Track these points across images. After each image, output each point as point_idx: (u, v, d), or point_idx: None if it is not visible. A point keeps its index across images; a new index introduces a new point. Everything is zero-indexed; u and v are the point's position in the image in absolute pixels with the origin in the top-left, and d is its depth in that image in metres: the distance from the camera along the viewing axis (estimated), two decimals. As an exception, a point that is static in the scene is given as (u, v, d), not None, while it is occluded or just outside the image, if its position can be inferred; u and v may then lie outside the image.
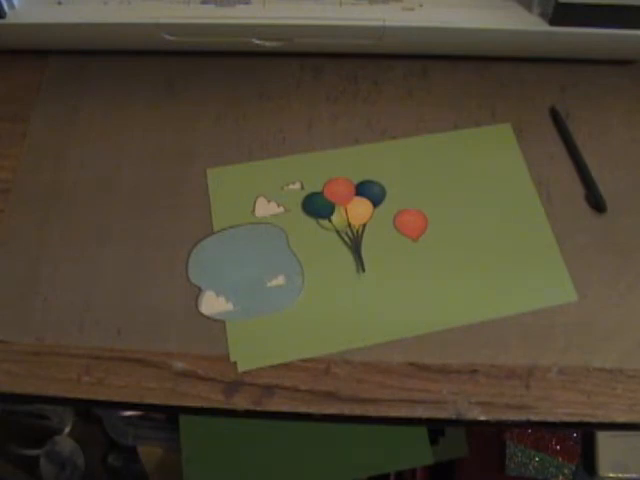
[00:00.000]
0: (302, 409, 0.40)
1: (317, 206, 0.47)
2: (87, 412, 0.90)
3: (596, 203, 0.47)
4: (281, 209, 0.47)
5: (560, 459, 0.77)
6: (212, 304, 0.43)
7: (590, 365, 0.41)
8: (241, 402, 0.41)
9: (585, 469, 0.76)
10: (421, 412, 0.40)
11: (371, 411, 0.40)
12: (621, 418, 0.40)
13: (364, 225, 0.46)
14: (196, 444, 0.75)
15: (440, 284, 0.44)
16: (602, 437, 0.74)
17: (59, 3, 0.49)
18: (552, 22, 0.47)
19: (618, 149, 0.49)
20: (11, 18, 0.48)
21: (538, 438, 0.78)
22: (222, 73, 0.53)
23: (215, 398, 0.41)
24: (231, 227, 0.46)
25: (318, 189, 0.48)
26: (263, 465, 0.74)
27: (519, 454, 0.78)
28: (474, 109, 0.51)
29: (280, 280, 0.44)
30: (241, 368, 0.41)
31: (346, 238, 0.46)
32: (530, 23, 0.47)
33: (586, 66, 0.52)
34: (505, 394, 0.41)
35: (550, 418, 0.40)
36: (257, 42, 0.49)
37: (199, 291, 0.44)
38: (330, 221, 0.46)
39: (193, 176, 0.48)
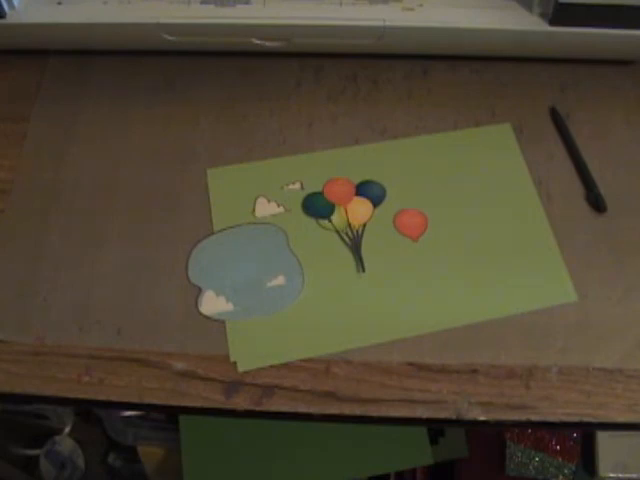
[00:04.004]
0: (302, 409, 0.40)
1: (317, 206, 0.47)
2: (87, 412, 0.90)
3: (596, 203, 0.47)
4: (281, 209, 0.47)
5: (560, 459, 0.77)
6: (212, 304, 0.43)
7: (590, 365, 0.41)
8: (241, 402, 0.41)
9: (585, 469, 0.76)
10: (421, 412, 0.40)
11: (371, 411, 0.40)
12: (621, 418, 0.40)
13: (364, 225, 0.46)
14: (196, 444, 0.75)
15: (440, 284, 0.44)
16: (602, 437, 0.74)
17: (59, 3, 0.49)
18: (552, 22, 0.47)
19: (618, 149, 0.49)
20: (11, 18, 0.48)
21: (538, 438, 0.78)
22: (222, 73, 0.53)
23: (215, 398, 0.41)
24: (231, 227, 0.46)
25: (318, 189, 0.48)
26: (263, 465, 0.74)
27: (519, 454, 0.78)
28: (474, 109, 0.51)
29: (280, 280, 0.44)
30: (241, 368, 0.41)
31: (346, 238, 0.46)
32: (530, 23, 0.47)
33: (586, 66, 0.52)
34: (505, 394, 0.41)
35: (550, 418, 0.40)
36: (257, 42, 0.49)
37: (199, 291, 0.44)
38: (330, 221, 0.46)
39: (193, 176, 0.48)
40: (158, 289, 0.44)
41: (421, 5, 0.48)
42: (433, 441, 0.77)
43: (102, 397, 0.41)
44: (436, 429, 0.79)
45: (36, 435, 0.88)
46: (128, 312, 0.43)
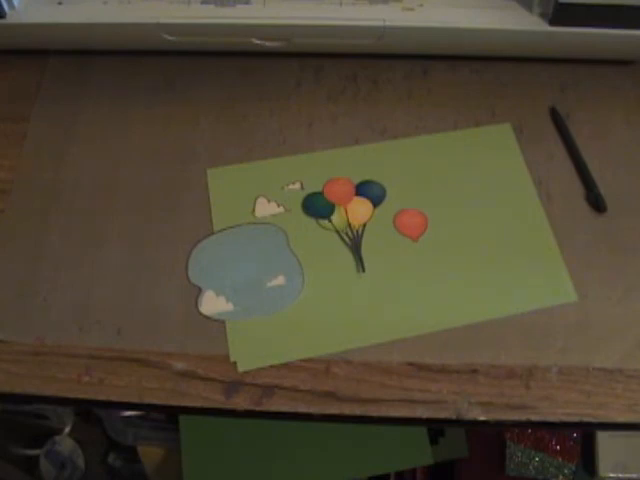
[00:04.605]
0: (302, 409, 0.40)
1: (317, 206, 0.47)
2: (87, 412, 0.90)
3: (596, 203, 0.47)
4: (281, 209, 0.47)
5: (560, 459, 0.77)
6: (212, 304, 0.43)
7: (590, 365, 0.41)
8: (241, 402, 0.41)
9: (585, 469, 0.76)
10: (421, 412, 0.40)
11: (371, 411, 0.40)
12: (621, 418, 0.40)
13: (364, 225, 0.46)
14: (196, 444, 0.75)
15: (440, 284, 0.44)
16: (602, 437, 0.74)
17: (59, 3, 0.49)
18: (552, 22, 0.47)
19: (618, 149, 0.49)
20: (11, 18, 0.48)
21: (538, 438, 0.78)
22: (222, 73, 0.53)
23: (215, 398, 0.41)
24: (231, 227, 0.46)
25: (318, 189, 0.48)
26: (263, 465, 0.74)
27: (519, 454, 0.78)
28: (474, 109, 0.51)
29: (280, 280, 0.44)
30: (241, 368, 0.41)
31: (346, 238, 0.46)
32: (530, 23, 0.47)
33: (586, 66, 0.52)
34: (505, 394, 0.41)
35: (550, 418, 0.40)
36: (257, 42, 0.49)
37: (199, 291, 0.44)
38: (330, 221, 0.46)
39: (193, 176, 0.48)
40: (158, 289, 0.44)
41: (421, 5, 0.48)
42: (433, 441, 0.77)
43: (102, 397, 0.41)
44: (436, 429, 0.79)
45: (36, 435, 0.88)
46: (128, 312, 0.43)
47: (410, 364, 0.42)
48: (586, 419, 0.40)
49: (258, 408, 0.40)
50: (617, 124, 0.50)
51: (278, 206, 0.47)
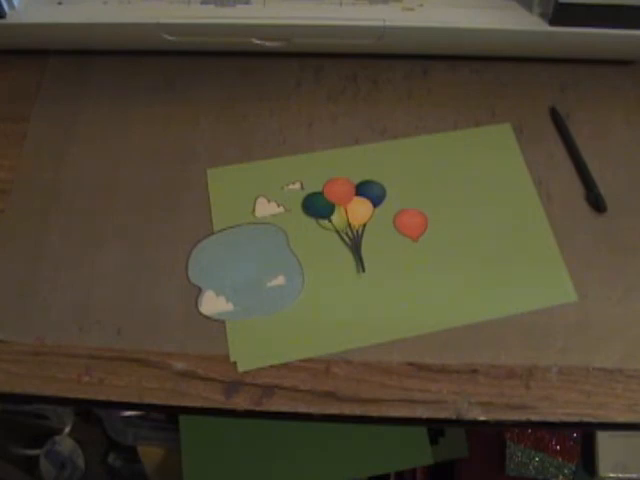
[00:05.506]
0: (302, 409, 0.40)
1: (317, 206, 0.47)
2: (87, 412, 0.90)
3: (596, 203, 0.47)
4: (281, 209, 0.47)
5: (560, 459, 0.77)
6: (212, 304, 0.43)
7: (590, 365, 0.41)
8: (241, 402, 0.41)
9: (585, 469, 0.76)
10: (421, 412, 0.40)
11: (371, 411, 0.40)
12: (621, 418, 0.40)
13: (364, 225, 0.46)
14: (196, 444, 0.75)
15: (440, 284, 0.44)
16: (602, 437, 0.74)
17: (59, 3, 0.49)
18: (552, 22, 0.47)
19: (618, 149, 0.49)
20: (11, 18, 0.48)
21: (538, 438, 0.78)
22: (222, 73, 0.53)
23: (215, 398, 0.41)
24: (231, 227, 0.46)
25: (318, 189, 0.48)
26: (263, 465, 0.74)
27: (519, 454, 0.78)
28: (474, 109, 0.51)
29: (280, 280, 0.44)
30: (241, 368, 0.41)
31: (346, 238, 0.46)
32: (530, 23, 0.47)
33: (586, 66, 0.52)
34: (505, 394, 0.41)
35: (550, 418, 0.40)
36: (257, 42, 0.49)
37: (199, 291, 0.44)
38: (330, 221, 0.46)
39: (193, 176, 0.48)
40: (158, 289, 0.44)
41: (421, 5, 0.48)
42: (433, 441, 0.77)
43: (102, 397, 0.41)
44: (436, 429, 0.79)
45: (36, 435, 0.88)
46: (128, 312, 0.43)
47: (410, 364, 0.42)
48: (586, 419, 0.40)
49: (258, 408, 0.40)
50: (617, 124, 0.50)
51: (278, 206, 0.47)
